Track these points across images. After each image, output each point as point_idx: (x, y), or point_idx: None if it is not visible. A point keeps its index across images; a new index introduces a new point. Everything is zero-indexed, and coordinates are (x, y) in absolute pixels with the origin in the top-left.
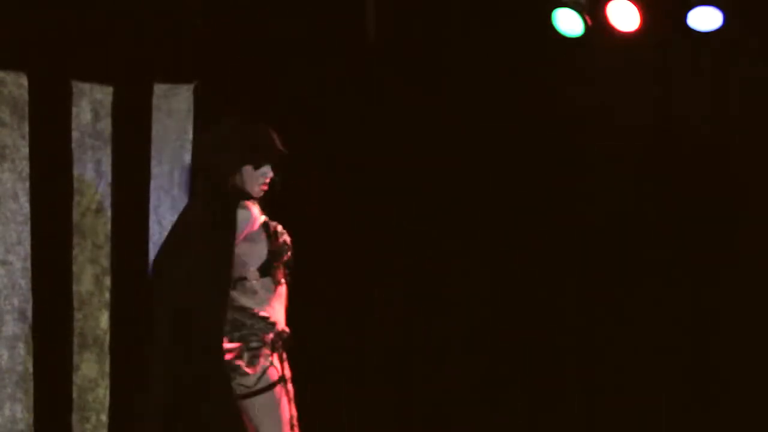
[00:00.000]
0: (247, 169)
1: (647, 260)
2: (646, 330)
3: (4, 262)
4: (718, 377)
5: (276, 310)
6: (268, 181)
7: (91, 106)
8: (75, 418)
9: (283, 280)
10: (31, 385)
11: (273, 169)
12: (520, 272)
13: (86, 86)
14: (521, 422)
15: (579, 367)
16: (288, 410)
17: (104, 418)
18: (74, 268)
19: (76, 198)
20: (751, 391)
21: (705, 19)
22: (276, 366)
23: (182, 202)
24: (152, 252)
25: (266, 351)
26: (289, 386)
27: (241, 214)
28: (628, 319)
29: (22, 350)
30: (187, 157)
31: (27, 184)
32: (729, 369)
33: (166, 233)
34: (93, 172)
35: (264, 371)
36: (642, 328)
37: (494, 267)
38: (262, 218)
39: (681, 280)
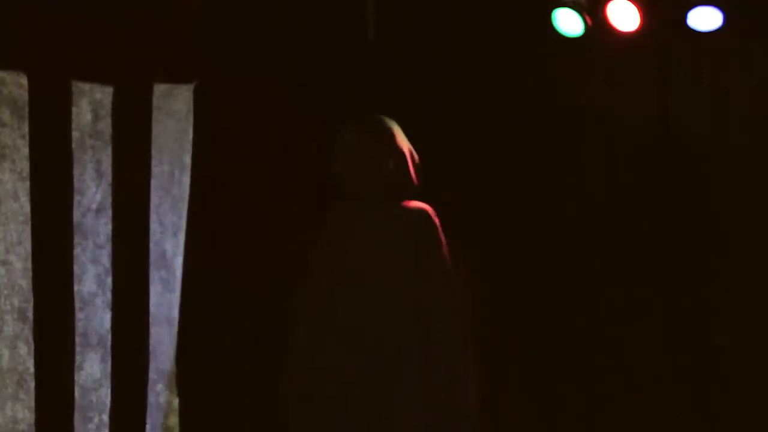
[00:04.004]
0: None
1: (646, 260)
2: (646, 330)
3: (5, 262)
4: (718, 377)
5: None
6: None
7: (91, 106)
8: (77, 418)
9: None
10: (32, 385)
11: None
12: (518, 272)
13: (86, 86)
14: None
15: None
16: None
17: (105, 418)
18: (75, 269)
19: (77, 198)
20: (751, 391)
21: (705, 19)
22: None
23: (182, 202)
24: (153, 252)
25: None
26: None
27: None
28: (628, 318)
29: (23, 350)
30: (187, 157)
31: (27, 184)
32: (729, 369)
33: (167, 233)
34: (93, 172)
35: None
36: (641, 328)
37: (493, 266)
38: None
39: (680, 281)
